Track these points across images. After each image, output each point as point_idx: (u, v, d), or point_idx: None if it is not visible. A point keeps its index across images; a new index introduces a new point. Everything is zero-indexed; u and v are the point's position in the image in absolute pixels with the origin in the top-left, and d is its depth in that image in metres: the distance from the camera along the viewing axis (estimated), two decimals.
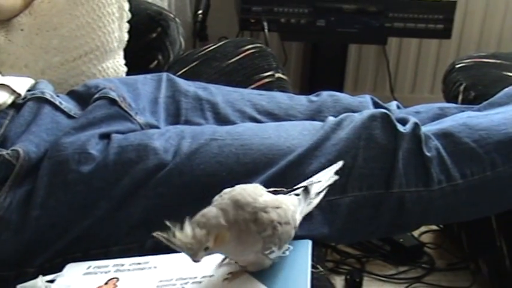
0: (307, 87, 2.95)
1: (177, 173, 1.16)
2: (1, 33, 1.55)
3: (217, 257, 0.98)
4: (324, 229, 1.18)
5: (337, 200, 1.20)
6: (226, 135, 1.23)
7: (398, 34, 2.80)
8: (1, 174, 1.13)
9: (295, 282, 0.96)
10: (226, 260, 0.99)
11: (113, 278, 1.02)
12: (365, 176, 1.21)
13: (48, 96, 1.28)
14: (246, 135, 1.23)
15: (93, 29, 1.59)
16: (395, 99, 1.60)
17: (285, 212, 0.97)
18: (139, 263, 1.06)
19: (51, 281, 1.03)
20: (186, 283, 0.98)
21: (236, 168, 1.18)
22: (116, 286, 1.00)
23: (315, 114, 1.44)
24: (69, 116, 1.27)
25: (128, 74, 1.68)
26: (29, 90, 1.31)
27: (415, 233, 2.20)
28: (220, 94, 1.45)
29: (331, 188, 1.18)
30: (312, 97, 1.50)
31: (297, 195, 1.05)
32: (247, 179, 1.15)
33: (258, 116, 1.41)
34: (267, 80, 1.68)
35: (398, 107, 1.54)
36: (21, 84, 1.30)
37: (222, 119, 1.39)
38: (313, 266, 1.04)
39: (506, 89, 1.49)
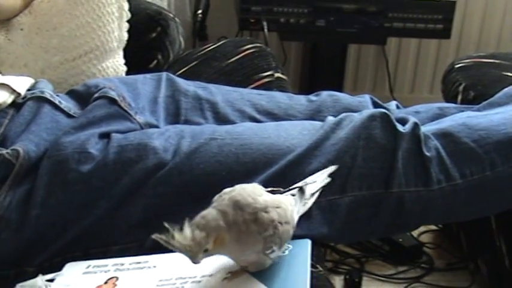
0: (306, 87, 2.95)
1: (177, 172, 1.16)
2: (1, 32, 1.55)
3: (218, 257, 0.98)
4: (323, 229, 1.19)
5: (336, 199, 1.20)
6: (225, 134, 1.23)
7: (398, 34, 2.80)
8: (1, 174, 1.13)
9: (294, 282, 0.96)
10: (226, 260, 0.99)
11: (113, 277, 1.02)
12: (364, 176, 1.22)
13: (48, 96, 1.28)
14: (246, 134, 1.23)
15: (92, 28, 1.59)
16: (395, 99, 1.60)
17: (285, 212, 0.97)
18: (138, 262, 1.06)
19: (51, 280, 1.03)
20: (185, 282, 0.98)
21: (236, 168, 1.18)
22: (116, 285, 1.00)
23: (315, 114, 1.44)
24: (69, 116, 1.27)
25: (127, 73, 1.68)
26: (28, 90, 1.31)
27: (414, 233, 2.20)
28: (220, 94, 1.45)
29: (331, 188, 1.19)
30: (312, 97, 1.50)
31: (293, 195, 1.06)
32: (246, 178, 1.15)
33: (258, 116, 1.42)
34: (266, 79, 1.68)
35: (397, 107, 1.54)
36: (21, 84, 1.30)
37: (221, 119, 1.39)
38: (312, 266, 1.04)
39: (506, 89, 1.49)
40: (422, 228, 2.21)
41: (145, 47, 1.84)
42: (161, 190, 1.15)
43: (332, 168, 1.18)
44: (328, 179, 1.16)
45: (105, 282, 1.01)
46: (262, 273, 0.97)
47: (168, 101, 1.40)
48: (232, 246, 0.92)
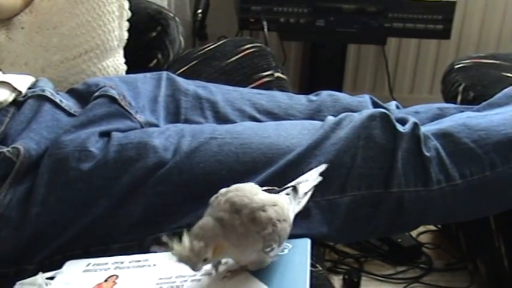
0: (306, 87, 2.95)
1: (177, 171, 1.16)
2: (2, 31, 1.55)
3: None
4: (323, 228, 1.19)
5: (336, 199, 1.20)
6: (226, 134, 1.23)
7: (398, 34, 2.80)
8: (1, 172, 1.13)
9: (294, 281, 0.96)
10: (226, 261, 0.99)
11: (113, 275, 1.02)
12: (364, 176, 1.22)
13: (48, 94, 1.28)
14: (246, 134, 1.23)
15: (93, 27, 1.59)
16: (394, 100, 1.61)
17: (282, 209, 0.97)
18: (138, 261, 1.06)
19: (51, 278, 1.03)
20: (185, 281, 0.98)
21: (236, 167, 1.18)
22: (116, 283, 1.01)
23: (315, 114, 1.44)
24: (69, 114, 1.28)
25: (127, 72, 1.68)
26: (29, 88, 1.31)
27: (413, 233, 2.20)
28: (220, 93, 1.45)
29: (330, 188, 1.19)
30: (312, 97, 1.50)
31: (287, 194, 1.06)
32: (246, 177, 1.15)
33: (258, 115, 1.42)
34: (266, 79, 1.68)
35: (397, 107, 1.54)
36: (22, 82, 1.30)
37: (221, 118, 1.40)
38: (312, 265, 1.04)
39: (506, 89, 1.49)
40: (421, 229, 2.22)
41: (145, 46, 1.85)
42: (161, 189, 1.15)
43: (323, 167, 1.18)
44: (320, 178, 1.16)
45: (105, 280, 1.02)
46: (262, 272, 0.98)
47: (168, 100, 1.40)
48: (231, 251, 0.92)
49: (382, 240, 2.16)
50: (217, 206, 0.94)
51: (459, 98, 1.81)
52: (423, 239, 2.22)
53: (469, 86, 1.80)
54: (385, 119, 1.26)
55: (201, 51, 1.83)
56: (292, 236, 1.06)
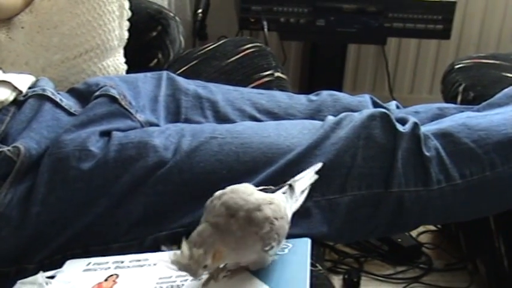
0: (306, 87, 2.95)
1: (177, 170, 1.16)
2: (2, 31, 1.55)
3: None
4: (323, 228, 1.19)
5: (336, 199, 1.20)
6: (226, 133, 1.23)
7: (398, 34, 2.80)
8: (2, 171, 1.13)
9: (294, 280, 0.96)
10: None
11: (113, 275, 1.03)
12: (364, 176, 1.22)
13: (49, 94, 1.28)
14: (246, 133, 1.23)
15: (93, 27, 1.59)
16: (394, 100, 1.61)
17: (279, 207, 0.97)
18: (139, 260, 1.06)
19: (52, 277, 1.04)
20: (185, 280, 0.98)
21: (236, 167, 1.18)
22: (116, 283, 1.01)
23: (315, 114, 1.44)
24: (70, 113, 1.28)
25: (128, 72, 1.68)
26: (30, 88, 1.31)
27: (413, 233, 2.20)
28: (220, 93, 1.45)
29: (331, 187, 1.19)
30: (312, 96, 1.50)
31: (284, 193, 1.06)
32: (247, 177, 1.15)
33: (258, 115, 1.42)
34: (266, 79, 1.68)
35: (397, 107, 1.54)
36: (23, 81, 1.30)
37: (221, 118, 1.40)
38: (312, 265, 1.04)
39: (506, 89, 1.49)
40: (421, 229, 2.22)
41: (145, 46, 1.85)
42: (161, 188, 1.15)
43: (319, 166, 1.18)
44: (316, 176, 1.16)
45: (106, 280, 1.02)
46: (262, 271, 0.98)
47: (168, 100, 1.40)
48: (230, 255, 0.92)
49: (382, 240, 2.16)
50: (212, 210, 0.94)
51: (459, 98, 1.81)
52: (423, 239, 2.22)
53: (469, 86, 1.80)
54: (385, 118, 1.26)
55: (201, 51, 1.84)
56: (292, 235, 1.06)
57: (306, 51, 3.03)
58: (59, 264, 1.08)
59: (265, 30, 2.48)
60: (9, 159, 1.14)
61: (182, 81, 1.45)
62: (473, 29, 3.04)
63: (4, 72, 1.38)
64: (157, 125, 1.32)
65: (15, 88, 1.28)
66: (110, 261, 1.07)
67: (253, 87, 1.61)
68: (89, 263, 1.07)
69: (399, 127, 1.26)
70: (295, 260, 1.01)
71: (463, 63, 1.93)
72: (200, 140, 1.20)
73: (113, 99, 1.30)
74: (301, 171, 1.17)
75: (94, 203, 1.14)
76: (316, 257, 1.13)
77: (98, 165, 1.15)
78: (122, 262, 1.06)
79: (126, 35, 1.68)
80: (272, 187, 1.07)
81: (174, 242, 0.98)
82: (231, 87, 1.50)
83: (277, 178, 1.15)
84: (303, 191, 1.12)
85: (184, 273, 0.89)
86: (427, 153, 1.25)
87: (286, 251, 1.02)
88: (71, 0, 1.58)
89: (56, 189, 1.13)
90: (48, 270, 1.05)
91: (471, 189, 1.27)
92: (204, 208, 0.96)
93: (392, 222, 1.25)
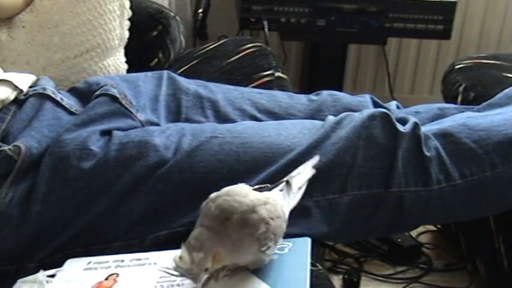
0: (306, 87, 2.96)
1: (177, 170, 1.16)
2: (3, 30, 1.56)
3: None
4: (323, 228, 1.19)
5: (336, 199, 1.20)
6: (226, 133, 1.23)
7: (398, 34, 2.80)
8: (3, 170, 1.13)
9: (294, 280, 0.96)
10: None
11: (113, 274, 1.03)
12: (364, 175, 1.22)
13: (49, 93, 1.29)
14: (247, 133, 1.23)
15: (94, 26, 1.59)
16: (395, 100, 1.61)
17: (275, 207, 0.97)
18: (139, 259, 1.06)
19: (52, 276, 1.04)
20: (185, 279, 0.98)
21: (236, 166, 1.18)
22: (116, 282, 1.01)
23: (315, 113, 1.45)
24: (70, 113, 1.28)
25: (128, 71, 1.68)
26: (30, 87, 1.31)
27: (413, 233, 2.20)
28: (221, 92, 1.45)
29: (331, 187, 1.19)
30: (312, 96, 1.50)
31: (281, 190, 1.06)
32: (247, 177, 1.15)
33: (258, 115, 1.42)
34: (266, 78, 1.69)
35: (398, 107, 1.54)
36: (23, 80, 1.30)
37: (222, 117, 1.40)
38: (312, 264, 1.04)
39: (506, 90, 1.49)
40: (421, 229, 2.22)
41: (146, 45, 1.85)
42: (162, 188, 1.16)
43: (315, 160, 1.18)
44: (313, 171, 1.16)
45: (106, 279, 1.02)
46: (262, 270, 0.98)
47: (169, 99, 1.41)
48: (229, 257, 0.92)
49: (382, 240, 2.16)
50: (207, 213, 0.94)
51: (459, 98, 1.81)
52: (423, 239, 2.22)
53: (470, 87, 1.80)
54: (385, 118, 1.26)
55: (202, 51, 1.84)
56: (292, 235, 1.07)
57: (307, 51, 3.03)
58: (59, 263, 1.08)
59: (266, 30, 2.49)
60: (9, 158, 1.14)
61: (183, 81, 1.45)
62: (474, 29, 3.04)
63: (5, 71, 1.38)
64: (157, 125, 1.32)
65: (16, 87, 1.28)
66: (110, 260, 1.07)
67: (253, 87, 1.61)
68: (90, 262, 1.07)
69: (399, 127, 1.26)
70: (295, 259, 1.01)
71: (463, 64, 1.93)
72: (201, 140, 1.20)
73: (114, 99, 1.30)
74: None
75: (94, 202, 1.14)
76: (316, 256, 1.13)
77: (98, 165, 1.15)
78: (123, 261, 1.06)
79: (126, 34, 1.69)
80: (269, 185, 1.07)
81: (174, 241, 0.98)
82: (232, 87, 1.50)
83: (278, 178, 1.15)
84: (300, 187, 1.12)
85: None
86: (427, 153, 1.25)
87: (286, 250, 1.02)
88: (71, 0, 1.58)
89: (56, 188, 1.13)
90: (49, 269, 1.05)
91: (471, 189, 1.27)
92: (199, 211, 0.96)
93: (393, 222, 1.25)
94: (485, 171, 1.27)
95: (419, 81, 3.14)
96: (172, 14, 1.92)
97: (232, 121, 1.37)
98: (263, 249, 0.94)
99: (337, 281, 2.04)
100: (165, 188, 1.15)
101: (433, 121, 1.42)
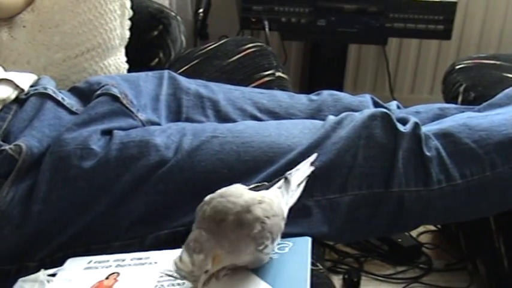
0: (307, 87, 2.96)
1: (178, 169, 1.17)
2: (4, 29, 1.56)
3: None
4: (323, 227, 1.19)
5: (336, 198, 1.20)
6: (227, 132, 1.23)
7: (399, 34, 2.80)
8: (4, 169, 1.13)
9: (295, 279, 0.96)
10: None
11: (114, 273, 1.03)
12: (365, 175, 1.22)
13: (50, 92, 1.29)
14: (247, 133, 1.24)
15: (95, 26, 1.60)
16: (395, 100, 1.61)
17: (270, 205, 0.97)
18: (140, 258, 1.06)
19: (53, 275, 1.04)
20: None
21: (237, 166, 1.18)
22: (117, 281, 1.01)
23: (315, 113, 1.45)
24: (71, 112, 1.28)
25: (129, 71, 1.68)
26: (31, 86, 1.31)
27: (413, 233, 2.20)
28: (221, 92, 1.45)
29: (331, 187, 1.19)
30: (313, 96, 1.50)
31: (279, 188, 1.06)
32: (247, 176, 1.16)
33: (259, 114, 1.42)
34: (267, 78, 1.69)
35: (398, 107, 1.54)
36: (25, 80, 1.30)
37: (223, 117, 1.40)
38: (312, 264, 1.04)
39: (507, 90, 1.49)
40: (421, 229, 2.22)
41: (147, 45, 1.85)
42: (162, 187, 1.16)
43: (314, 157, 1.18)
44: (312, 168, 1.17)
45: (107, 278, 1.02)
46: (263, 270, 0.98)
47: (169, 99, 1.41)
48: (227, 258, 0.92)
49: (382, 240, 2.16)
50: (203, 216, 0.94)
51: (460, 98, 1.81)
52: (423, 239, 2.22)
53: (470, 87, 1.80)
54: (386, 118, 1.26)
55: (203, 51, 1.84)
56: (293, 234, 1.07)
57: (307, 51, 3.03)
58: (60, 263, 1.08)
59: (266, 30, 2.49)
60: (10, 157, 1.14)
61: (183, 81, 1.45)
62: (474, 30, 3.04)
63: (6, 70, 1.38)
64: (158, 124, 1.32)
65: (17, 86, 1.28)
66: (111, 259, 1.07)
67: (254, 87, 1.62)
68: (90, 261, 1.07)
69: (400, 127, 1.26)
70: (296, 258, 1.01)
71: (463, 64, 1.94)
72: (201, 139, 1.21)
73: (115, 98, 1.30)
74: None
75: (95, 201, 1.14)
76: (317, 256, 1.13)
77: (99, 164, 1.15)
78: (123, 260, 1.06)
79: (127, 34, 1.69)
80: (266, 183, 1.08)
81: (174, 241, 0.98)
82: (232, 87, 1.50)
83: (278, 177, 1.15)
84: (299, 184, 1.12)
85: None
86: (427, 153, 1.25)
87: (286, 249, 1.03)
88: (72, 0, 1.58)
89: (57, 188, 1.13)
90: (50, 268, 1.05)
91: (471, 189, 1.27)
92: (195, 213, 0.96)
93: (393, 222, 1.25)
94: (485, 171, 1.27)
95: (420, 81, 3.14)
96: (173, 13, 1.92)
97: (233, 121, 1.37)
98: (260, 248, 0.95)
99: (337, 281, 2.04)
100: (166, 188, 1.15)
101: (433, 121, 1.42)
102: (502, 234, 1.69)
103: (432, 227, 2.23)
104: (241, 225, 0.92)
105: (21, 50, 1.54)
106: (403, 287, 2.03)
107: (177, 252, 0.90)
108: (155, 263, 1.05)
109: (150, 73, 1.46)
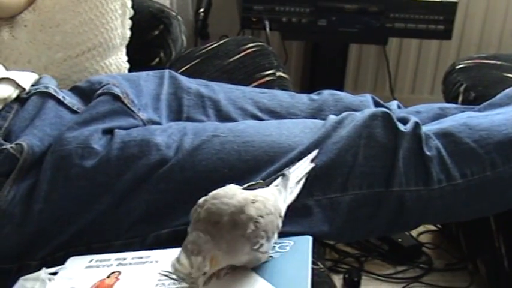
0: (307, 86, 2.95)
1: (179, 168, 1.17)
2: (5, 29, 1.56)
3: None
4: (324, 227, 1.19)
5: (337, 198, 1.20)
6: (228, 132, 1.23)
7: (399, 34, 2.80)
8: (5, 168, 1.14)
9: (295, 278, 0.96)
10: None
11: (115, 272, 1.03)
12: (365, 175, 1.22)
13: (51, 91, 1.29)
14: (248, 132, 1.24)
15: (96, 25, 1.60)
16: (395, 100, 1.61)
17: (264, 204, 0.97)
18: (141, 257, 1.06)
19: (54, 274, 1.04)
20: None
21: (238, 165, 1.18)
22: (118, 279, 1.01)
23: (316, 113, 1.45)
24: (73, 111, 1.28)
25: (130, 70, 1.69)
26: (33, 85, 1.31)
27: (414, 233, 2.20)
28: (222, 92, 1.45)
29: (332, 186, 1.20)
30: (313, 96, 1.51)
31: (276, 185, 1.06)
32: (248, 175, 1.16)
33: (260, 114, 1.42)
34: (268, 78, 1.69)
35: (399, 107, 1.54)
36: (26, 79, 1.31)
37: (223, 117, 1.40)
38: (313, 263, 1.04)
39: (507, 90, 1.49)
40: (421, 228, 2.22)
41: (147, 45, 1.85)
42: (163, 186, 1.16)
43: (314, 153, 1.18)
44: (312, 165, 1.17)
45: (108, 277, 1.02)
46: (263, 268, 0.98)
47: (170, 98, 1.41)
48: (225, 259, 0.93)
49: (383, 240, 2.16)
50: (197, 218, 0.94)
51: (460, 98, 1.81)
52: (423, 238, 2.22)
53: (470, 87, 1.81)
54: (386, 118, 1.26)
55: (203, 50, 1.84)
56: (293, 234, 1.07)
57: (308, 51, 3.03)
58: (61, 261, 1.08)
59: (267, 29, 2.49)
60: (12, 156, 1.14)
61: (184, 80, 1.45)
62: (475, 30, 3.04)
63: (7, 70, 1.38)
64: (159, 124, 1.33)
65: (18, 85, 1.28)
66: (112, 258, 1.07)
67: (255, 87, 1.62)
68: (91, 260, 1.08)
69: (400, 126, 1.26)
70: (297, 257, 1.01)
71: (464, 64, 1.94)
72: (202, 139, 1.21)
73: (116, 98, 1.30)
74: None
75: (96, 200, 1.14)
76: (317, 255, 1.13)
77: (100, 163, 1.16)
78: (124, 259, 1.06)
79: (128, 33, 1.69)
80: (262, 181, 1.08)
81: (175, 240, 0.99)
82: (233, 86, 1.50)
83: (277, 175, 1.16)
84: (298, 181, 1.12)
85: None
86: (428, 153, 1.25)
87: (287, 248, 1.03)
88: None
89: (58, 187, 1.14)
90: (51, 267, 1.05)
91: (472, 189, 1.27)
92: (190, 216, 0.96)
93: (393, 221, 1.26)
94: (486, 170, 1.27)
95: (420, 81, 3.14)
96: (173, 13, 1.92)
97: (234, 120, 1.37)
98: (255, 247, 0.95)
99: (337, 280, 2.04)
100: (167, 187, 1.16)
101: (433, 121, 1.42)
102: (502, 234, 1.69)
103: (432, 227, 2.23)
104: (236, 226, 0.93)
105: (22, 49, 1.55)
106: (403, 287, 2.03)
107: (178, 251, 0.91)
108: (156, 261, 1.05)
109: (151, 72, 1.46)
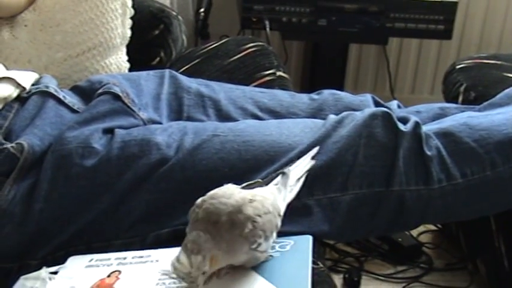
0: (308, 86, 2.95)
1: (179, 168, 1.17)
2: (6, 28, 1.56)
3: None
4: (324, 226, 1.19)
5: (337, 197, 1.20)
6: (228, 131, 1.23)
7: (399, 34, 2.80)
8: (5, 167, 1.14)
9: (295, 277, 0.96)
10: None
11: (115, 271, 1.03)
12: (365, 174, 1.22)
13: (52, 91, 1.29)
14: (248, 131, 1.24)
15: (96, 25, 1.60)
16: (395, 100, 1.61)
17: (262, 203, 0.98)
18: (141, 257, 1.06)
19: (55, 273, 1.04)
20: None
21: (238, 165, 1.18)
22: (118, 279, 1.01)
23: (316, 113, 1.45)
24: (73, 111, 1.28)
25: (130, 70, 1.69)
26: (33, 85, 1.32)
27: (414, 233, 2.20)
28: (223, 91, 1.45)
29: (332, 186, 1.20)
30: (313, 95, 1.51)
31: (276, 184, 1.06)
32: (248, 175, 1.16)
33: (260, 114, 1.42)
34: (268, 78, 1.69)
35: (399, 107, 1.54)
36: (26, 78, 1.31)
37: (224, 116, 1.40)
38: (313, 262, 1.04)
39: (507, 89, 1.49)
40: (421, 228, 2.22)
41: (148, 44, 1.85)
42: (164, 186, 1.16)
43: (314, 151, 1.18)
44: (313, 162, 1.17)
45: (108, 276, 1.02)
46: (263, 267, 0.98)
47: (170, 98, 1.41)
48: (224, 258, 0.93)
49: (383, 240, 2.16)
50: (195, 218, 0.94)
51: (460, 98, 1.81)
52: (423, 238, 2.22)
53: (470, 87, 1.81)
54: (386, 117, 1.26)
55: (204, 50, 1.84)
56: (294, 233, 1.07)
57: (308, 51, 3.03)
58: (61, 261, 1.08)
59: (267, 29, 2.49)
60: (12, 155, 1.14)
61: (184, 80, 1.45)
62: (475, 30, 3.04)
63: (7, 69, 1.38)
64: (159, 123, 1.33)
65: (18, 85, 1.28)
66: (112, 257, 1.07)
67: (255, 86, 1.62)
68: (92, 259, 1.08)
69: (401, 126, 1.26)
70: (297, 257, 1.01)
71: (464, 64, 1.94)
72: (202, 138, 1.21)
73: (116, 97, 1.30)
74: None
75: (97, 199, 1.14)
76: (318, 255, 1.13)
77: (100, 163, 1.16)
78: (125, 258, 1.06)
79: (128, 33, 1.69)
80: (260, 180, 1.08)
81: (175, 239, 0.99)
82: (233, 86, 1.50)
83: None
84: (299, 179, 1.12)
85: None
86: (428, 153, 1.25)
87: (288, 248, 1.03)
88: None
89: (59, 186, 1.14)
90: (51, 266, 1.05)
91: (472, 188, 1.27)
92: (188, 216, 0.96)
93: (393, 221, 1.26)
94: (486, 170, 1.27)
95: (420, 81, 3.13)
96: (174, 13, 1.92)
97: (234, 120, 1.38)
98: (253, 246, 0.95)
99: (337, 280, 2.04)
100: (167, 186, 1.16)
101: (434, 120, 1.42)
102: (502, 234, 1.69)
103: (432, 227, 2.23)
104: (234, 226, 0.93)
105: (22, 49, 1.55)
106: (404, 287, 2.03)
107: (178, 251, 0.91)
108: (156, 261, 1.05)
109: (151, 72, 1.46)
